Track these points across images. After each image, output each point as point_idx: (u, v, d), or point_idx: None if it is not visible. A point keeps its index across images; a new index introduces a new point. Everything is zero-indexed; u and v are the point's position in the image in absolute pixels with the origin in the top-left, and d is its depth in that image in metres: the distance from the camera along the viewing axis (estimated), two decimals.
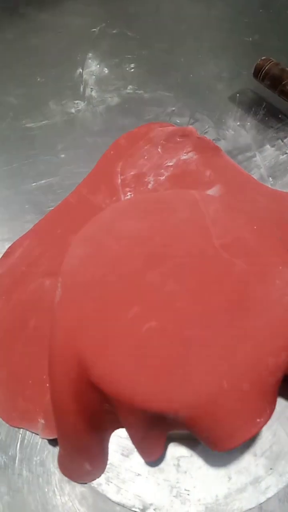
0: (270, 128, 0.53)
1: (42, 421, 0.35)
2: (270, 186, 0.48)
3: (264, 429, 0.35)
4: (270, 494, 0.33)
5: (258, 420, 0.27)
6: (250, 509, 0.33)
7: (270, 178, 0.49)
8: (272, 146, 0.52)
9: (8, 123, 0.54)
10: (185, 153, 0.51)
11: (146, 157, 0.51)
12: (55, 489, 0.34)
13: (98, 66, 0.59)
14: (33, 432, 0.36)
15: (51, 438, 0.35)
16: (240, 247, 0.32)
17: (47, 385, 0.34)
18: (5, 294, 0.41)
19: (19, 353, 0.38)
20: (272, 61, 0.52)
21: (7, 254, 0.44)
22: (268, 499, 0.33)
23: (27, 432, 0.36)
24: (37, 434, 0.35)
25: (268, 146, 0.52)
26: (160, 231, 0.33)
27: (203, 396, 0.27)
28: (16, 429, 0.36)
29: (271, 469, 0.34)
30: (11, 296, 0.41)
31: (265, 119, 0.54)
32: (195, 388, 0.27)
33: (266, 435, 0.35)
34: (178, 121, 0.54)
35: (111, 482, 0.34)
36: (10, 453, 0.35)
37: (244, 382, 0.27)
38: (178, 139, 0.52)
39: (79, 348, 0.30)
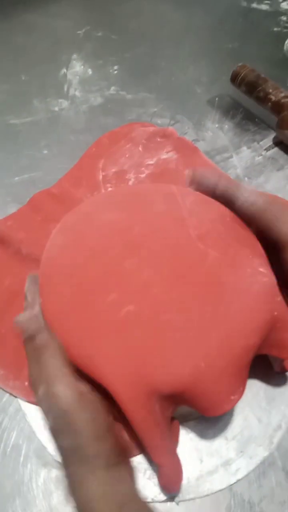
0: (247, 131, 0.55)
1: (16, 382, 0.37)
2: None
3: (235, 414, 0.37)
4: (240, 475, 0.35)
5: (232, 397, 0.29)
6: (221, 490, 0.34)
7: (246, 178, 0.51)
8: (248, 148, 0.54)
9: None
10: (165, 152, 0.53)
11: (127, 155, 0.52)
12: (32, 473, 0.35)
13: (82, 67, 0.61)
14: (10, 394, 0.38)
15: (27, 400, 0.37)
16: (214, 238, 0.34)
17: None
18: None
19: None
20: (248, 67, 0.55)
21: None
22: (238, 480, 0.34)
23: (5, 416, 0.36)
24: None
25: (244, 148, 0.54)
26: (138, 221, 0.35)
27: (183, 375, 0.28)
28: None
29: (241, 452, 0.35)
30: None
31: (242, 122, 0.56)
32: (174, 368, 0.28)
33: (237, 419, 0.37)
34: (159, 122, 0.56)
35: None
36: None
37: (219, 362, 0.29)
38: (158, 139, 0.53)
39: (60, 332, 0.31)
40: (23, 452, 0.35)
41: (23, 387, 0.37)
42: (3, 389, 0.38)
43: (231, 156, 0.53)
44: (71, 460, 0.27)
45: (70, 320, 0.31)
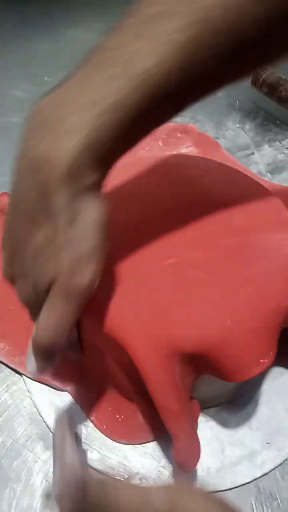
0: (269, 131, 0.55)
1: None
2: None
3: (261, 403, 0.33)
4: (266, 469, 0.31)
5: (261, 360, 0.26)
6: (245, 484, 0.30)
7: (269, 173, 0.50)
8: (270, 146, 0.53)
9: (13, 114, 0.55)
10: (185, 147, 0.52)
11: (146, 149, 0.51)
12: (34, 455, 0.31)
13: None
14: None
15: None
16: (240, 205, 0.32)
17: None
18: None
19: None
20: (269, 69, 0.55)
21: None
22: (265, 474, 0.30)
23: (8, 396, 0.33)
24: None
25: (266, 146, 0.53)
26: (161, 188, 0.33)
27: (209, 332, 0.25)
28: None
29: (268, 443, 0.32)
30: None
31: (263, 123, 0.56)
32: (199, 325, 0.26)
33: (263, 409, 0.33)
34: (179, 121, 0.55)
35: (95, 450, 0.31)
36: None
37: (248, 323, 0.26)
38: (179, 135, 0.53)
39: None
40: (26, 433, 0.32)
41: None
42: (7, 366, 0.35)
43: (253, 153, 0.52)
44: None
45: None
